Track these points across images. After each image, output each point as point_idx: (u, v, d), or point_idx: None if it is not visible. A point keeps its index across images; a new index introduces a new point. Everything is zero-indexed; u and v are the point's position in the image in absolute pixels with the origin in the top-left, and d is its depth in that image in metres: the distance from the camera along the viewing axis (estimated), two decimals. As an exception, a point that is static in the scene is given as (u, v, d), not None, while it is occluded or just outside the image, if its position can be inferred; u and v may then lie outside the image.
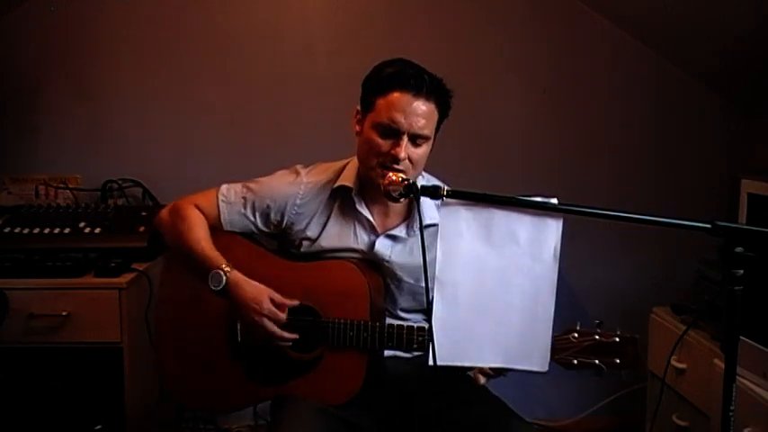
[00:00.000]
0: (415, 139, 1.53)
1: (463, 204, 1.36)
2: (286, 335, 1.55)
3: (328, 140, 2.53)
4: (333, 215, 1.65)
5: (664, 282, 2.54)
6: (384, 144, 1.52)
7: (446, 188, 1.35)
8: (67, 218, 2.24)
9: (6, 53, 2.48)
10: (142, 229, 2.21)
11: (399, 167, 1.50)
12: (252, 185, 1.67)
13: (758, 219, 1.78)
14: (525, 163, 2.62)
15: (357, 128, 1.60)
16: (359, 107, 1.61)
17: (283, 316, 1.54)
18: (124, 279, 2.01)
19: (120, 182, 2.50)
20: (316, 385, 1.57)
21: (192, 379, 1.67)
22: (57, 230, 2.19)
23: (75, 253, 2.10)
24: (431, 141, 1.57)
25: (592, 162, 2.64)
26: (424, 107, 1.51)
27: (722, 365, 1.34)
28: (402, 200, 1.46)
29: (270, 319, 1.53)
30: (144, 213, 2.28)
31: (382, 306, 1.64)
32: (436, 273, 1.35)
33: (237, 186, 1.68)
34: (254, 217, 1.66)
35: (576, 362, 1.42)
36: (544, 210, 1.33)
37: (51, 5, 2.45)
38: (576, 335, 1.43)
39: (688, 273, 2.22)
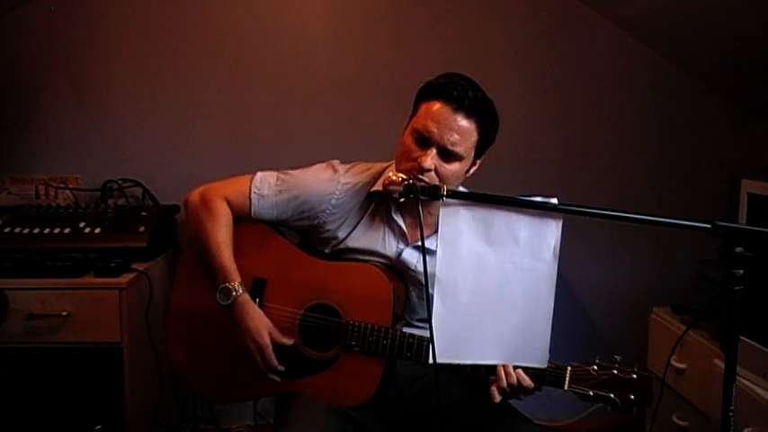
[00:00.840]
0: (447, 155, 1.49)
1: (463, 204, 1.36)
2: (274, 376, 1.57)
3: (329, 140, 2.55)
4: (365, 218, 1.63)
5: (664, 282, 2.55)
6: (414, 150, 1.50)
7: (446, 188, 1.36)
8: (67, 218, 2.24)
9: (7, 53, 2.48)
10: (142, 229, 2.21)
11: (423, 178, 1.48)
12: (287, 178, 1.64)
13: (758, 219, 1.78)
14: (525, 163, 2.62)
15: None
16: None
17: (275, 361, 1.56)
18: (124, 279, 2.01)
19: (120, 182, 2.50)
20: (328, 385, 1.57)
21: (200, 366, 1.67)
22: (57, 230, 2.18)
23: (76, 253, 2.09)
24: (466, 162, 1.53)
25: (592, 162, 2.64)
26: (462, 123, 1.48)
27: (722, 365, 1.35)
28: (402, 199, 1.45)
29: (262, 356, 1.55)
30: (144, 213, 2.28)
31: (401, 314, 1.64)
32: (436, 272, 1.36)
33: (272, 178, 1.64)
34: (287, 212, 1.64)
35: (592, 393, 1.44)
36: (544, 210, 1.34)
37: (51, 5, 2.45)
38: (595, 367, 1.45)
39: (688, 273, 2.22)
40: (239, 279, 1.55)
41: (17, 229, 2.18)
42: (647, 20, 2.47)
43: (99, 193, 2.49)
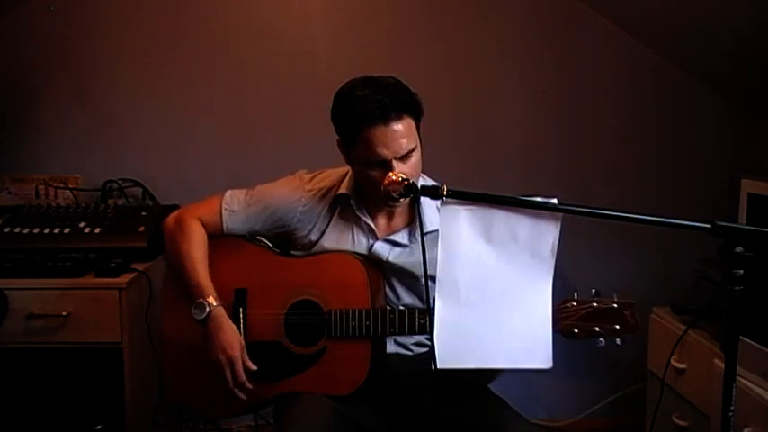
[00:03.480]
0: (404, 158, 1.53)
1: (463, 204, 1.36)
2: (240, 393, 1.56)
3: (328, 140, 2.53)
4: (333, 221, 1.67)
5: (664, 282, 2.54)
6: (379, 175, 1.52)
7: (446, 188, 1.35)
8: (67, 218, 2.24)
9: (7, 53, 2.48)
10: (142, 229, 2.21)
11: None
12: (255, 193, 1.68)
13: (758, 219, 1.78)
14: (525, 163, 2.62)
15: (344, 156, 1.63)
16: (339, 137, 1.62)
17: (243, 376, 1.56)
18: (124, 279, 2.01)
19: (120, 182, 2.50)
20: (320, 377, 1.58)
21: (195, 385, 1.67)
22: (57, 230, 2.18)
23: (76, 253, 2.09)
24: (419, 147, 1.57)
25: (592, 162, 2.64)
26: (399, 127, 1.51)
27: (722, 365, 1.34)
28: (402, 200, 1.46)
29: (232, 369, 1.55)
30: (144, 213, 2.28)
31: (383, 300, 1.65)
32: (437, 273, 1.35)
33: (240, 194, 1.69)
34: (257, 225, 1.68)
35: (576, 330, 1.43)
36: (544, 210, 1.34)
37: (51, 5, 2.45)
38: (574, 303, 1.44)
39: (688, 273, 2.22)
40: (214, 294, 1.58)
41: (17, 229, 2.18)
42: (647, 20, 2.46)
43: (99, 193, 2.49)
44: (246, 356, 1.57)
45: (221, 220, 1.67)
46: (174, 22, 2.50)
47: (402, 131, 1.52)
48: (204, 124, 2.55)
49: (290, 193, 1.67)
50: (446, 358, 1.33)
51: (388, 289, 1.68)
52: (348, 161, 1.63)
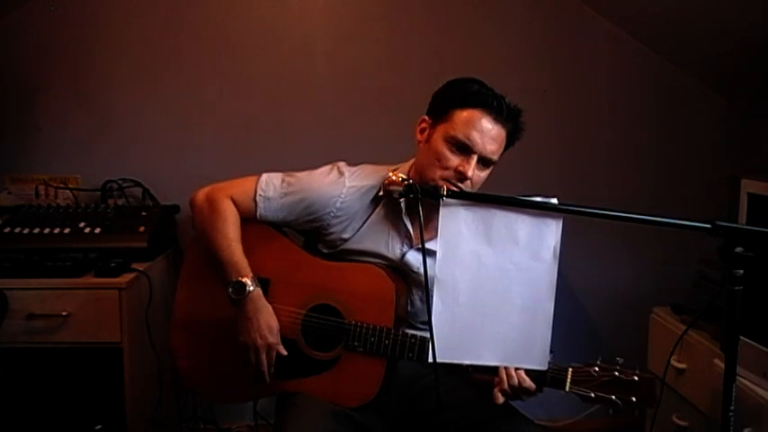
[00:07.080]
0: (484, 162, 1.51)
1: (463, 204, 1.36)
2: (267, 375, 1.57)
3: (328, 140, 2.55)
4: (369, 220, 1.63)
5: (664, 282, 2.54)
6: (453, 159, 1.49)
7: (446, 188, 1.36)
8: (67, 218, 2.24)
9: (7, 53, 2.48)
10: (142, 229, 2.21)
11: (462, 186, 1.49)
12: (293, 181, 1.63)
13: (758, 219, 1.78)
14: (525, 163, 2.62)
15: (420, 136, 1.58)
16: (427, 116, 1.58)
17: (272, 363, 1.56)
18: (124, 279, 2.01)
19: (120, 182, 2.50)
20: (330, 385, 1.57)
21: (203, 366, 1.67)
22: (57, 230, 2.18)
23: (75, 253, 2.09)
24: (492, 169, 1.55)
25: (592, 162, 2.64)
26: (498, 132, 1.51)
27: (722, 365, 1.35)
28: (402, 199, 1.46)
29: (268, 354, 1.55)
30: (144, 213, 2.28)
31: (404, 315, 1.64)
32: (436, 272, 1.36)
33: (277, 180, 1.64)
34: (291, 215, 1.63)
35: (593, 395, 1.44)
36: (544, 210, 1.34)
37: (51, 5, 2.45)
38: (597, 369, 1.44)
39: (688, 273, 2.22)
40: (252, 275, 1.56)
41: (17, 229, 2.18)
42: (647, 20, 2.47)
43: (99, 193, 2.49)
44: (281, 343, 1.57)
45: (255, 206, 1.62)
46: (175, 23, 2.50)
47: (498, 138, 1.51)
48: (204, 124, 2.55)
49: (329, 188, 1.61)
50: (443, 353, 1.34)
51: (410, 303, 1.66)
52: (422, 140, 1.57)
